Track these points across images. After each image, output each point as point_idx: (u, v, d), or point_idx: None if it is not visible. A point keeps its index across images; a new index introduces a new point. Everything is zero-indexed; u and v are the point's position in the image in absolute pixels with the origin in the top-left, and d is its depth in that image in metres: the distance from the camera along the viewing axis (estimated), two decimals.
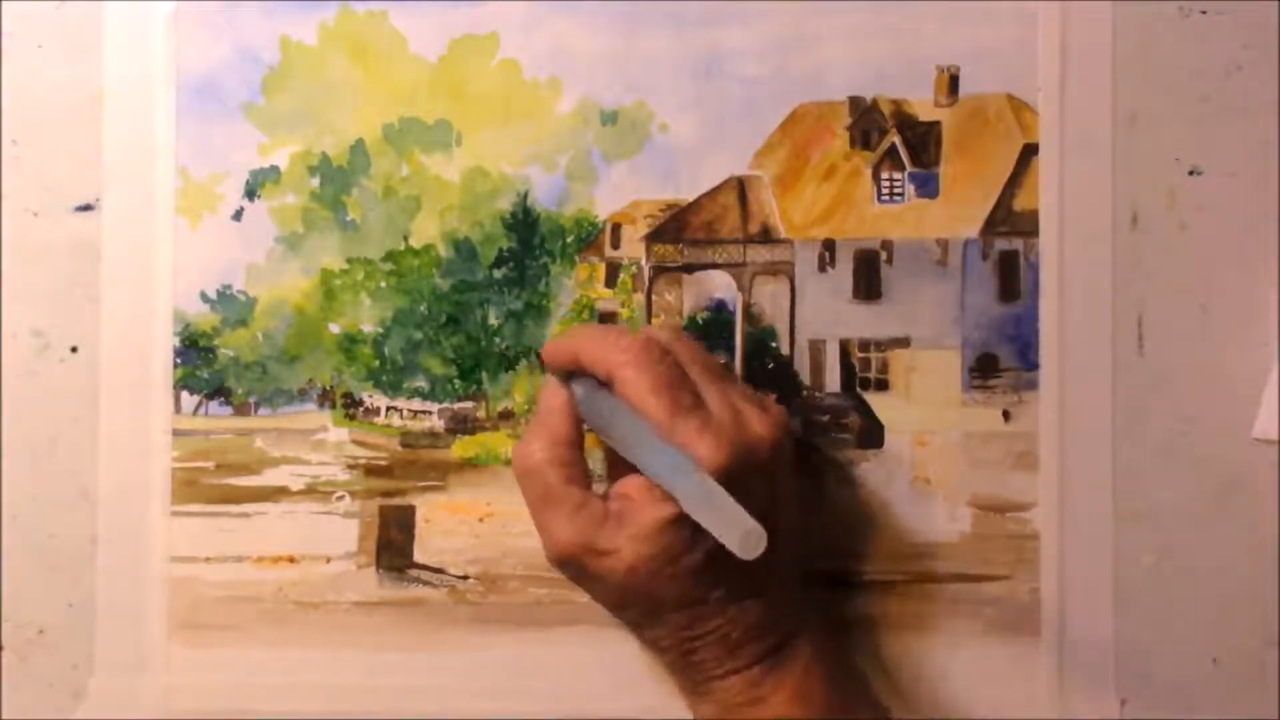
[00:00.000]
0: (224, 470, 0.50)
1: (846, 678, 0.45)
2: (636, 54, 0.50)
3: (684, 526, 0.40)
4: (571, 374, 0.44)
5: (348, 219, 0.50)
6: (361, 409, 0.51)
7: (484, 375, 0.51)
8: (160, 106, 0.50)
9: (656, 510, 0.40)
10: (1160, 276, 0.49)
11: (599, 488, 0.43)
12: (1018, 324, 0.50)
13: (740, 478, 0.40)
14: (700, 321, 0.50)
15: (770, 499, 0.42)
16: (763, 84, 0.50)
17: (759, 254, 0.50)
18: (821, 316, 0.50)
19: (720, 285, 0.51)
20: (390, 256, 0.50)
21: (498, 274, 0.50)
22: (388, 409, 0.51)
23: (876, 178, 0.50)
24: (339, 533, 0.50)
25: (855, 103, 0.50)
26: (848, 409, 0.50)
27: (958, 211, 0.50)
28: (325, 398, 0.51)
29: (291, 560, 0.50)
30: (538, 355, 0.47)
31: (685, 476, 0.39)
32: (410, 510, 0.50)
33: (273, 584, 0.50)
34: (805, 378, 0.50)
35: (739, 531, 0.38)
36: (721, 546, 0.39)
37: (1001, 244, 0.50)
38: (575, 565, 0.42)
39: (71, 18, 0.50)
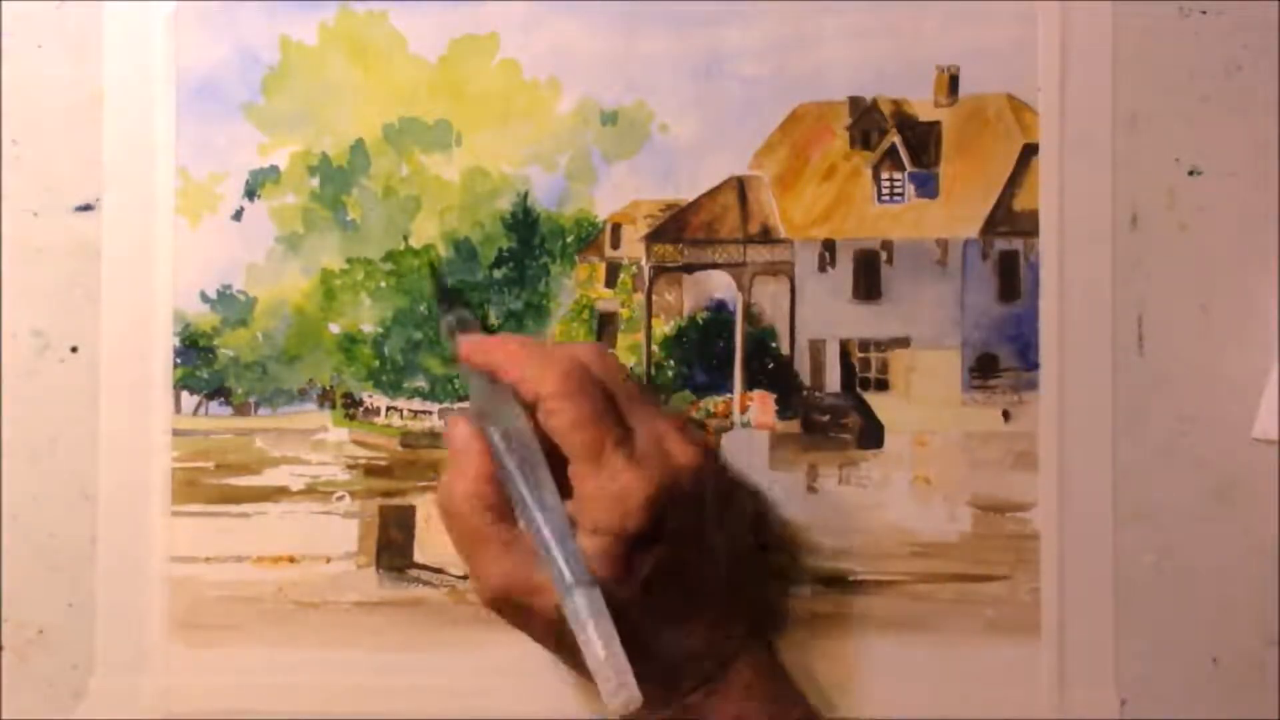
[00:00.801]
0: (224, 470, 0.50)
1: (790, 699, 0.46)
2: (636, 54, 0.50)
3: (617, 560, 0.40)
4: (482, 410, 0.43)
5: (348, 219, 0.50)
6: (361, 409, 0.51)
7: None
8: (160, 106, 0.50)
9: (584, 541, 0.40)
10: (1160, 276, 0.49)
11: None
12: (1018, 324, 0.50)
13: (665, 507, 0.40)
14: (700, 321, 0.50)
15: (695, 525, 0.42)
16: (763, 84, 0.50)
17: (759, 254, 0.50)
18: (821, 316, 0.50)
19: (720, 285, 0.51)
20: (390, 256, 0.50)
21: (498, 274, 0.50)
22: (388, 409, 0.51)
23: (876, 178, 0.50)
24: (339, 533, 0.50)
25: (855, 103, 0.50)
26: (848, 409, 0.50)
27: (958, 211, 0.50)
28: (325, 398, 0.51)
29: (291, 560, 0.50)
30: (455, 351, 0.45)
31: (584, 618, 0.38)
32: (410, 510, 0.50)
33: (273, 584, 0.50)
34: (805, 378, 0.50)
35: (622, 695, 0.38)
36: (653, 577, 0.40)
37: (1001, 244, 0.50)
38: (508, 604, 0.41)
39: (71, 18, 0.50)
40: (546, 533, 0.40)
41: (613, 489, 0.40)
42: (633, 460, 0.40)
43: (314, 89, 0.50)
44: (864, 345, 0.50)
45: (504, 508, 0.42)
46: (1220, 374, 0.49)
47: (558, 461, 0.41)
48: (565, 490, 0.41)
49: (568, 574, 0.39)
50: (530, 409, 0.42)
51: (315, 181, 0.50)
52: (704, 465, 0.42)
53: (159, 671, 0.50)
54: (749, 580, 0.47)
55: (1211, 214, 0.49)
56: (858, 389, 0.50)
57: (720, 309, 0.50)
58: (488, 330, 0.49)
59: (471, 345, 0.44)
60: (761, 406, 0.50)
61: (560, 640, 0.41)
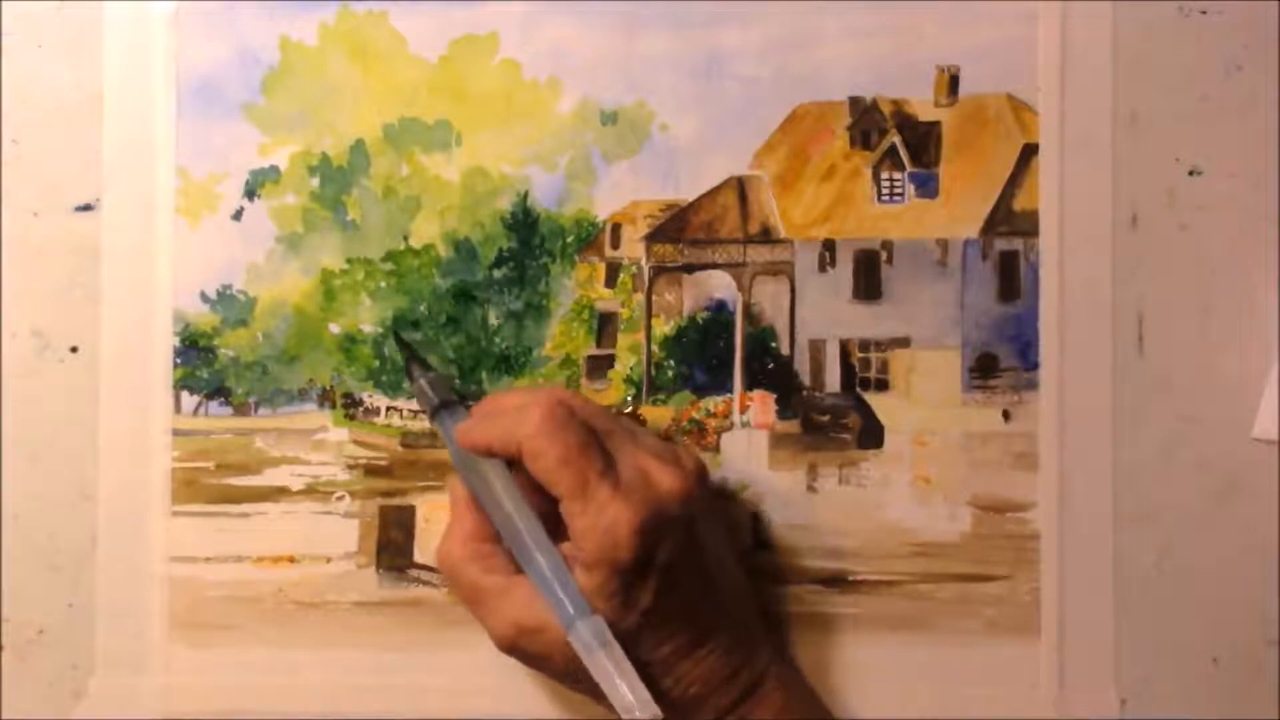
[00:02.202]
0: (224, 470, 0.50)
1: (820, 717, 0.46)
2: (636, 54, 0.50)
3: (615, 592, 0.40)
4: (465, 463, 0.44)
5: (348, 219, 0.50)
6: (361, 409, 0.51)
7: (484, 375, 0.51)
8: (160, 106, 0.50)
9: (582, 579, 0.41)
10: (1160, 276, 0.49)
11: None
12: (1018, 324, 0.50)
13: (657, 533, 0.41)
14: (700, 321, 0.50)
15: (690, 550, 0.42)
16: (763, 84, 0.50)
17: (759, 254, 0.50)
18: (821, 316, 0.50)
19: (720, 285, 0.51)
20: (390, 256, 0.50)
21: (498, 274, 0.50)
22: (388, 409, 0.51)
23: (876, 178, 0.50)
24: (339, 533, 0.50)
25: (855, 103, 0.50)
26: (848, 409, 0.50)
27: (958, 211, 0.50)
28: (325, 398, 0.51)
29: (292, 560, 0.50)
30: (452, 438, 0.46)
31: (592, 648, 0.40)
32: (410, 510, 0.50)
33: (273, 584, 0.50)
34: (805, 378, 0.50)
35: (632, 707, 0.39)
36: (656, 604, 0.40)
37: (1001, 244, 0.50)
38: (517, 649, 0.42)
39: (71, 18, 0.50)
40: (545, 572, 0.41)
41: (602, 522, 0.40)
42: (618, 491, 0.41)
43: (314, 89, 0.50)
44: (864, 345, 0.50)
45: (501, 560, 0.43)
46: (1220, 374, 0.49)
47: (549, 507, 0.42)
48: (559, 535, 0.42)
49: (569, 606, 0.40)
50: (512, 460, 0.43)
51: (315, 181, 0.50)
52: (689, 489, 0.42)
53: (159, 671, 0.50)
54: (753, 593, 0.47)
55: (1211, 214, 0.49)
56: (858, 389, 0.50)
57: (720, 309, 0.50)
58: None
59: (467, 433, 0.44)
60: (761, 406, 0.50)
61: (578, 675, 0.41)
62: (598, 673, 0.40)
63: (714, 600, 0.43)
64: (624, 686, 0.39)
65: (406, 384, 0.49)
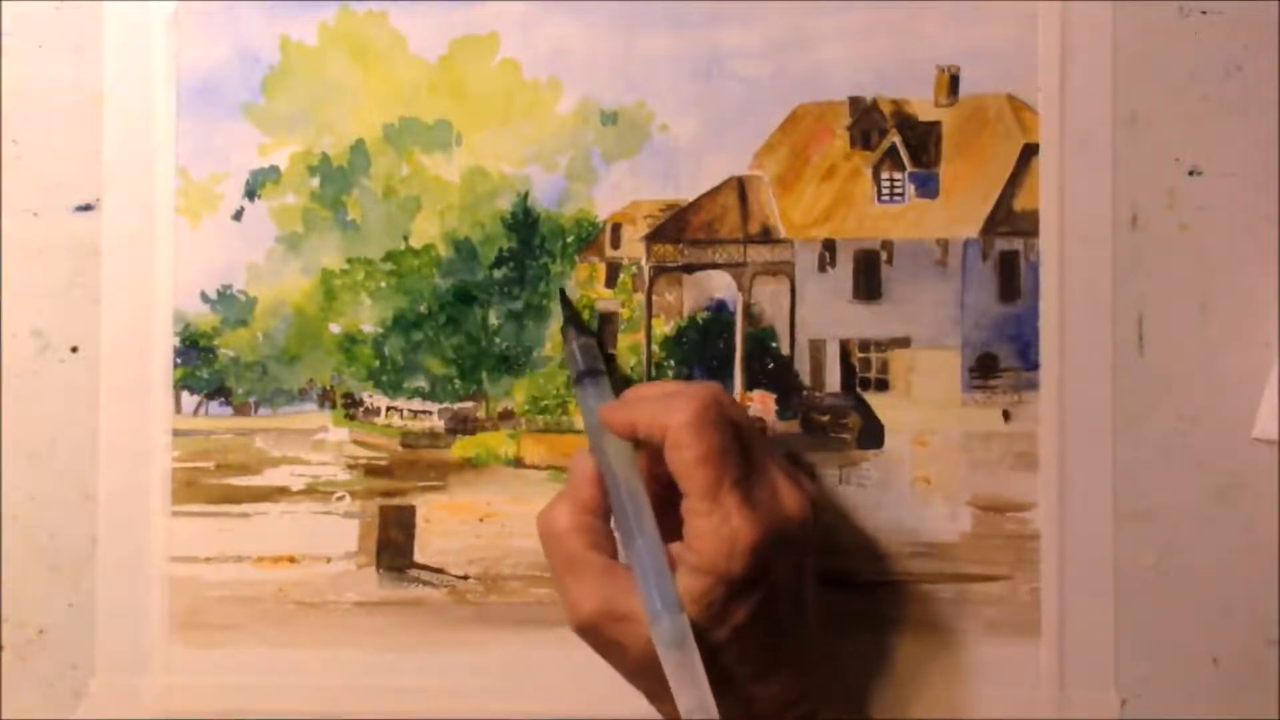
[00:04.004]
0: (224, 470, 0.50)
1: None
2: (636, 54, 0.50)
3: (716, 601, 0.40)
4: (597, 444, 0.44)
5: (348, 219, 0.50)
6: (361, 409, 0.51)
7: (484, 375, 0.51)
8: (160, 106, 0.50)
9: (685, 581, 0.40)
10: (1160, 276, 0.49)
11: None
12: (1018, 324, 0.50)
13: (771, 553, 0.40)
14: (700, 321, 0.50)
15: (797, 574, 0.42)
16: (763, 84, 0.50)
17: (759, 254, 0.50)
18: (821, 316, 0.50)
19: (720, 285, 0.51)
20: (390, 256, 0.50)
21: (498, 274, 0.50)
22: (388, 409, 0.51)
23: (876, 178, 0.50)
24: (339, 533, 0.50)
25: (855, 103, 0.50)
26: (848, 409, 0.50)
27: (958, 211, 0.50)
28: (325, 398, 0.51)
29: (292, 560, 0.50)
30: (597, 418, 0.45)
31: (672, 644, 0.39)
32: (410, 510, 0.50)
33: (273, 584, 0.50)
34: (805, 378, 0.50)
35: (696, 710, 0.39)
36: (748, 622, 0.39)
37: (1001, 244, 0.50)
38: (597, 631, 0.41)
39: (71, 18, 0.50)
40: (646, 559, 0.40)
41: (723, 530, 0.40)
42: (747, 503, 0.40)
43: (314, 89, 0.50)
44: (864, 345, 0.50)
45: (605, 539, 0.43)
46: (1220, 374, 0.49)
47: (666, 507, 0.42)
48: (669, 535, 0.41)
49: (659, 599, 0.40)
50: (646, 449, 0.42)
51: (315, 181, 0.50)
52: (809, 518, 0.42)
53: (159, 671, 0.50)
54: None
55: (1211, 214, 0.49)
56: (858, 389, 0.50)
57: (720, 309, 0.50)
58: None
59: (612, 411, 0.44)
60: (762, 406, 0.50)
61: (645, 673, 0.41)
62: (670, 669, 0.39)
63: (798, 632, 0.43)
64: (693, 691, 0.39)
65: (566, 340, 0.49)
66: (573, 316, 0.49)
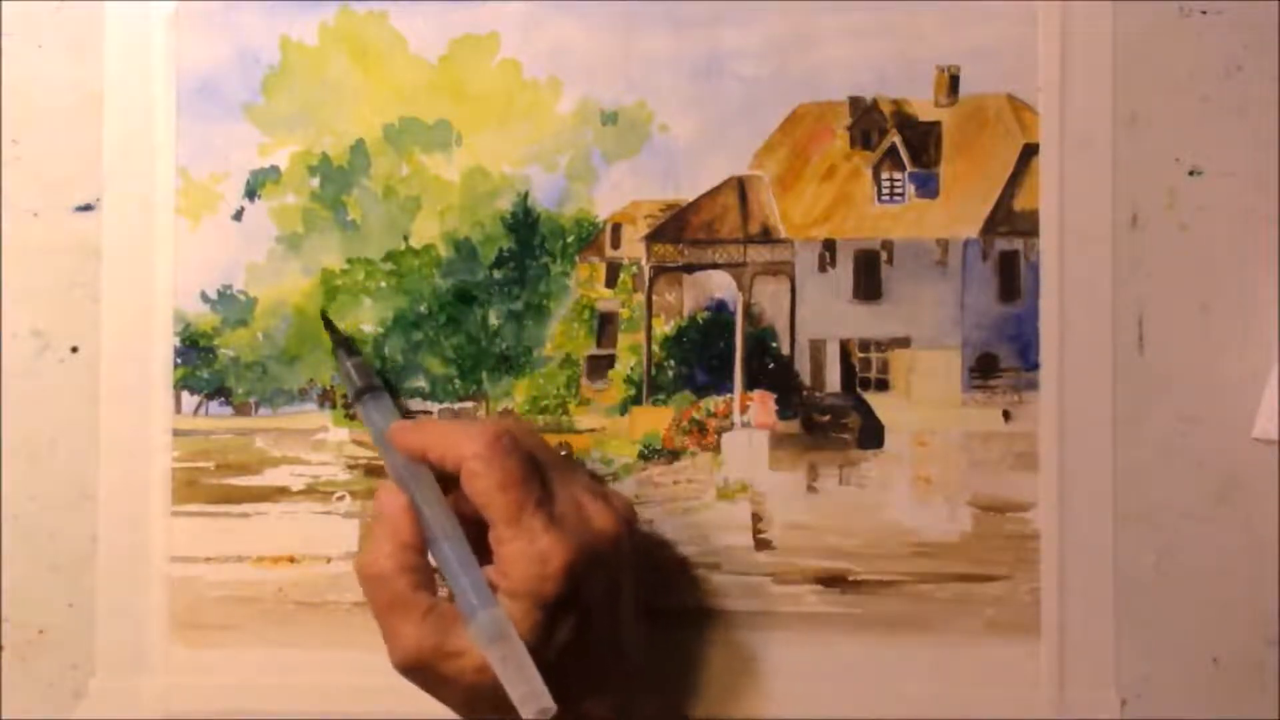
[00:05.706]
0: (224, 470, 0.50)
1: None
2: (636, 54, 0.50)
3: (536, 624, 0.40)
4: (402, 478, 0.44)
5: (348, 219, 0.50)
6: None
7: (484, 375, 0.51)
8: (160, 106, 0.50)
9: (505, 607, 0.40)
10: (1160, 276, 0.49)
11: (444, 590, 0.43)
12: (1018, 324, 0.50)
13: (583, 573, 0.40)
14: (700, 321, 0.50)
15: (612, 592, 0.42)
16: (763, 84, 0.50)
17: (759, 254, 0.50)
18: (821, 316, 0.50)
19: (720, 285, 0.51)
20: (390, 256, 0.50)
21: (498, 274, 0.50)
22: None
23: (877, 178, 0.50)
24: (339, 533, 0.50)
25: (855, 103, 0.50)
26: (848, 409, 0.50)
27: (958, 211, 0.50)
28: (325, 398, 0.51)
29: (292, 560, 0.50)
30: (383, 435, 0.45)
31: (493, 638, 0.39)
32: None
33: (273, 584, 0.50)
34: (805, 378, 0.50)
35: (535, 705, 0.39)
36: (570, 645, 0.40)
37: (1001, 244, 0.50)
38: (424, 670, 0.41)
39: (71, 18, 0.50)
40: (452, 558, 0.41)
41: (532, 552, 0.40)
42: (553, 524, 0.41)
43: (314, 89, 0.50)
44: (864, 345, 0.50)
45: (426, 577, 0.42)
46: (1220, 374, 0.49)
47: (476, 546, 0.42)
48: (484, 559, 0.42)
49: (472, 595, 0.40)
50: (449, 479, 0.42)
51: (315, 181, 0.50)
52: (622, 534, 0.42)
53: (159, 671, 0.50)
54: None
55: (1211, 214, 0.49)
56: (858, 389, 0.50)
57: (720, 309, 0.50)
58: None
59: (402, 432, 0.44)
60: (761, 406, 0.50)
61: (481, 701, 0.41)
62: (497, 666, 0.39)
63: (617, 648, 0.43)
64: (521, 676, 0.39)
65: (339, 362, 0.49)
66: (341, 340, 0.49)
